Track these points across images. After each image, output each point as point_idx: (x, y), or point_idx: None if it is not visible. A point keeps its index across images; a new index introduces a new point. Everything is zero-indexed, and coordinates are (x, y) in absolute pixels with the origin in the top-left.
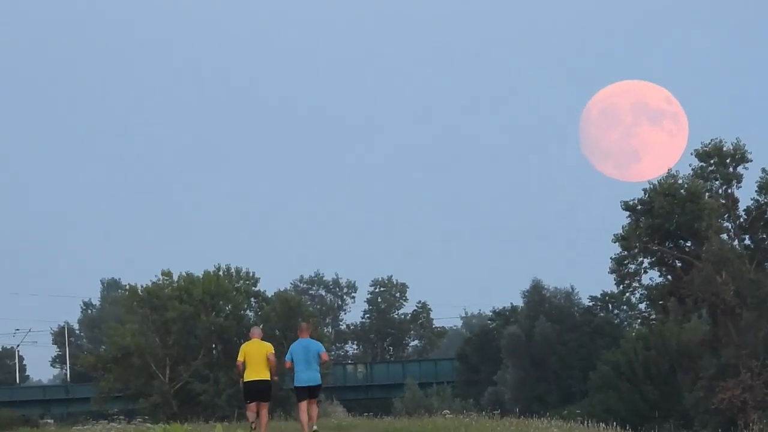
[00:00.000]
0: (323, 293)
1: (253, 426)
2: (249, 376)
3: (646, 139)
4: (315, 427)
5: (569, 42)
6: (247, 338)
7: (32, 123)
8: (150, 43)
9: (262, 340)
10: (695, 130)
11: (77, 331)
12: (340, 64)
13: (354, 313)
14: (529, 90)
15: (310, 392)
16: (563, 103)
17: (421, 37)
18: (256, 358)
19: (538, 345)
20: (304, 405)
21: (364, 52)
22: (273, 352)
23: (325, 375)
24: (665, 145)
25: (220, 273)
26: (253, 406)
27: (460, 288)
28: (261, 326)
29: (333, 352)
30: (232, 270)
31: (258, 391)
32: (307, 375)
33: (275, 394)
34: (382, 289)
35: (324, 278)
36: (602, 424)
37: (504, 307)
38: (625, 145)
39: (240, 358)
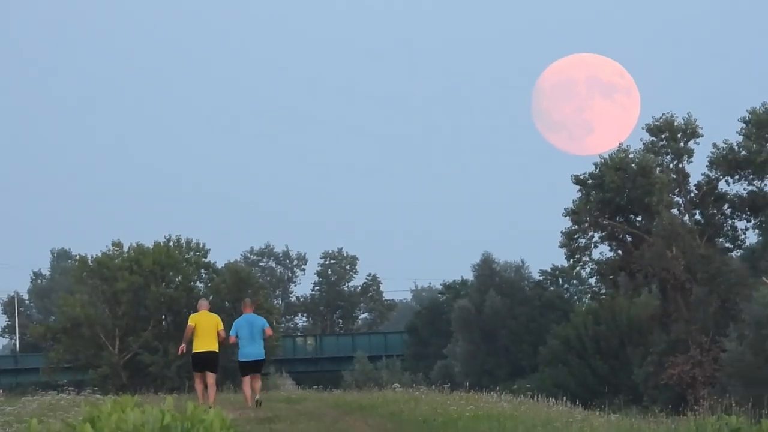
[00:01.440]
0: (273, 265)
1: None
2: (198, 347)
3: (599, 112)
4: (258, 397)
5: (522, 14)
6: (196, 310)
7: None
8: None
9: (210, 311)
10: (647, 105)
11: (27, 301)
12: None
13: (304, 286)
14: (479, 60)
15: (254, 367)
16: (515, 74)
17: None
18: (206, 330)
19: (488, 319)
20: (248, 379)
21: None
22: (222, 327)
23: (274, 347)
24: (618, 119)
25: (171, 244)
26: (200, 375)
27: (411, 261)
28: (210, 297)
29: (282, 325)
30: (183, 241)
31: (206, 361)
32: (251, 350)
33: (225, 365)
34: (332, 261)
35: (274, 250)
36: (552, 399)
37: (454, 281)
38: (578, 118)
39: (191, 323)
